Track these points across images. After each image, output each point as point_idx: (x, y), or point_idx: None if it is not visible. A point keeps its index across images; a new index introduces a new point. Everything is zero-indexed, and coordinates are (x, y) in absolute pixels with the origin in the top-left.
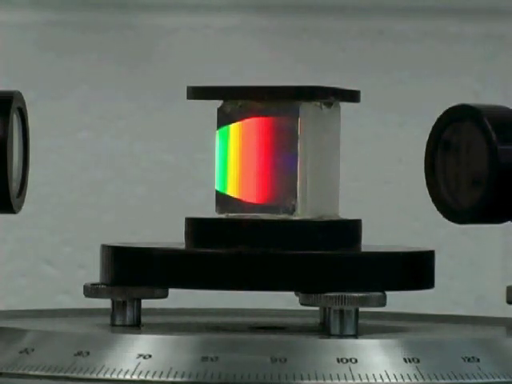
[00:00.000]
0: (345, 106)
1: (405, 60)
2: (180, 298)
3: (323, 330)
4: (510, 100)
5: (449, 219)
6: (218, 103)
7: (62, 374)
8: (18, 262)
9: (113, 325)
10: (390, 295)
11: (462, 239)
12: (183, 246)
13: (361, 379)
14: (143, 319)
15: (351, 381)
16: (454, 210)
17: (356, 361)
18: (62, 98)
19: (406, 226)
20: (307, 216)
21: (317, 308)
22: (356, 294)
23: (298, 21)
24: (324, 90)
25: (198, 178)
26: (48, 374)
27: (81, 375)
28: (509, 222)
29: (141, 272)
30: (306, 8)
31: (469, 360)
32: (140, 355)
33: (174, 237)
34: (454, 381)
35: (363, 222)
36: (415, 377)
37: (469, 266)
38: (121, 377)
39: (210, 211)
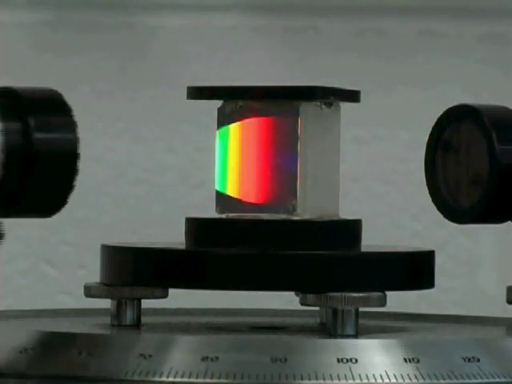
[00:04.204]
0: (345, 106)
1: (404, 60)
2: (180, 298)
3: (323, 330)
4: (510, 100)
5: (449, 219)
6: (218, 103)
7: (62, 374)
8: (18, 261)
9: (113, 325)
10: (390, 295)
11: (462, 239)
12: (183, 246)
13: (361, 379)
14: (143, 319)
15: (351, 381)
16: (454, 210)
17: (356, 361)
18: None
19: (405, 226)
20: (307, 216)
21: (317, 308)
22: (356, 294)
23: (298, 21)
24: (324, 90)
25: (198, 178)
26: (48, 373)
27: (81, 375)
28: (509, 221)
29: (141, 272)
30: (306, 8)
31: (469, 360)
32: (140, 355)
33: (174, 237)
34: (454, 381)
35: (363, 222)
36: (415, 377)
37: (469, 266)
38: (121, 377)
39: (210, 211)
